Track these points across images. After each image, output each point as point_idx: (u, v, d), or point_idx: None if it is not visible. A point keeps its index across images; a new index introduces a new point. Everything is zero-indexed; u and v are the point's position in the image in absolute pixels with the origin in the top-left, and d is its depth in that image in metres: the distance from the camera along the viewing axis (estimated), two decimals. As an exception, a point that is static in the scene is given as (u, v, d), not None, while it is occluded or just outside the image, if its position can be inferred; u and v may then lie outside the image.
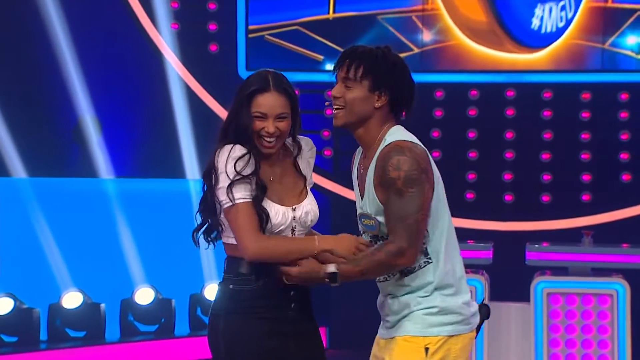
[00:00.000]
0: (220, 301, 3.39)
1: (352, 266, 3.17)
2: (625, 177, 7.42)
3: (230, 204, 3.29)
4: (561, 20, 7.45)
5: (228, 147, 3.33)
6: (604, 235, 6.76)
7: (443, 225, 3.21)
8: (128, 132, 8.10)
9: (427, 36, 7.59)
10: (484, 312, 3.32)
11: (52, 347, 7.07)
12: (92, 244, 7.33)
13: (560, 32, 7.46)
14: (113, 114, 8.09)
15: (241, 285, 3.35)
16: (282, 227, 3.35)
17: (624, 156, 7.44)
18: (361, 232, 3.33)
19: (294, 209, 3.39)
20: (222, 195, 3.31)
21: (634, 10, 7.41)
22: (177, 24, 7.79)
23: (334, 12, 7.65)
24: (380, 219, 3.19)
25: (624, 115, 7.46)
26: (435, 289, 3.19)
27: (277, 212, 3.34)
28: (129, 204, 7.45)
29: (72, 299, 7.16)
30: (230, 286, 3.37)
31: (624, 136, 7.46)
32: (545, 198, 7.43)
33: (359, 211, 3.29)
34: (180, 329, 7.37)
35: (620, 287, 6.39)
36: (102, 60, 8.02)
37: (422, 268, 3.21)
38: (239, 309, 3.35)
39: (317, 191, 7.67)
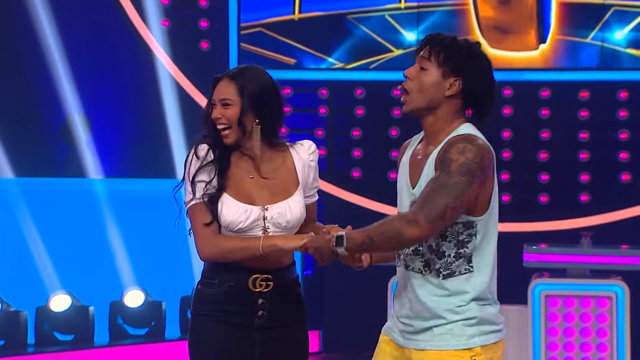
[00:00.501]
0: (192, 300, 3.46)
1: (361, 231, 3.07)
2: (625, 177, 7.40)
3: (187, 206, 3.37)
4: None
5: (193, 147, 3.41)
6: (603, 236, 6.73)
7: (492, 238, 3.15)
8: (117, 131, 8.09)
9: (411, 36, 7.53)
10: None
11: (39, 350, 7.02)
12: (80, 246, 7.28)
13: None
14: (102, 112, 8.06)
15: (206, 288, 3.39)
16: (241, 226, 3.33)
17: (623, 156, 7.42)
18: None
19: (265, 209, 3.35)
20: (185, 198, 3.40)
21: (610, 6, 7.38)
22: (168, 21, 7.76)
23: (299, 12, 7.55)
24: None
25: (623, 114, 7.44)
26: (473, 299, 3.11)
27: (236, 210, 3.32)
28: (118, 204, 7.40)
29: (60, 302, 7.11)
30: (199, 287, 3.41)
31: (623, 135, 7.45)
32: (543, 198, 7.41)
33: (410, 198, 3.16)
34: (171, 332, 7.33)
35: (619, 289, 6.36)
36: (91, 57, 7.99)
37: (461, 274, 3.10)
38: (204, 311, 3.38)
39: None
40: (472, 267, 3.11)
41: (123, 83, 7.97)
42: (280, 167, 3.43)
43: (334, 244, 3.08)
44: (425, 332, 3.14)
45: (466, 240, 3.09)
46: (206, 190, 3.33)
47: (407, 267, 3.18)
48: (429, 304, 3.12)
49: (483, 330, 3.12)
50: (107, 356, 7.09)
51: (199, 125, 3.52)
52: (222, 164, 3.35)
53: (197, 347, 3.39)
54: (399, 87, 3.21)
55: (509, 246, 6.89)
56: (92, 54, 7.98)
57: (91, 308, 7.16)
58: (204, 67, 7.71)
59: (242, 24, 7.62)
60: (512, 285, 6.65)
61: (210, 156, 3.36)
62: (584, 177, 7.37)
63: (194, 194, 3.34)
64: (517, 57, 7.48)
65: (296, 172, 3.45)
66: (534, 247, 6.55)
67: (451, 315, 3.11)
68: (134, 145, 8.05)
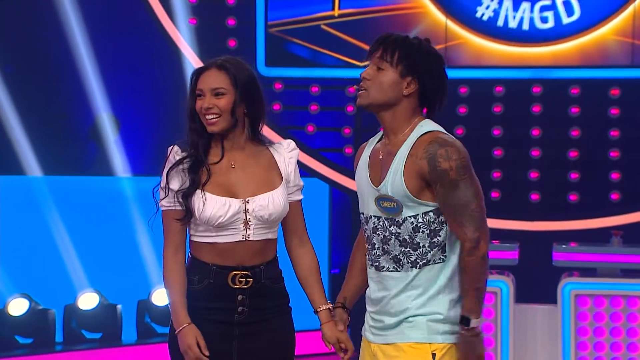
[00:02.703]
0: None
1: (465, 298, 3.18)
2: (656, 174, 7.34)
3: (161, 208, 3.44)
4: (544, 22, 7.29)
5: (170, 148, 3.44)
6: (634, 235, 6.72)
7: None
8: (145, 129, 8.11)
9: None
10: None
11: (67, 348, 7.07)
12: (108, 244, 7.30)
13: (541, 33, 7.31)
14: (130, 111, 8.08)
15: (189, 285, 3.40)
16: (221, 220, 3.33)
17: (655, 154, 7.36)
18: (366, 217, 3.28)
19: (246, 201, 3.35)
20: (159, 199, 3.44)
21: None
22: (195, 19, 7.75)
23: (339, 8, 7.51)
24: (409, 203, 3.17)
25: (654, 111, 7.38)
26: (443, 290, 3.20)
27: (214, 205, 3.34)
28: (146, 202, 7.38)
29: (88, 300, 7.15)
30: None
31: (655, 133, 7.38)
32: (573, 197, 7.34)
33: (375, 194, 3.24)
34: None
35: (650, 289, 6.38)
36: (119, 56, 8.02)
37: (435, 263, 3.19)
38: (188, 308, 3.39)
39: (337, 190, 7.61)
40: (445, 256, 3.19)
41: (151, 82, 7.99)
42: (262, 161, 3.44)
43: (466, 327, 3.16)
44: (393, 327, 3.22)
45: (438, 228, 3.18)
46: (179, 197, 3.36)
47: (378, 268, 3.25)
48: (399, 301, 3.20)
49: (447, 329, 3.18)
50: (135, 354, 7.11)
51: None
52: (198, 163, 3.37)
53: (175, 342, 3.40)
54: (355, 86, 3.26)
55: (538, 245, 6.96)
56: (120, 52, 8.01)
57: (119, 306, 7.19)
58: (231, 65, 7.72)
59: (293, 19, 7.56)
60: (541, 285, 6.70)
61: (186, 159, 3.38)
62: (615, 176, 7.30)
63: (161, 197, 3.40)
64: (546, 52, 7.37)
65: (278, 167, 3.45)
66: (564, 246, 6.58)
67: (417, 309, 3.19)
68: (161, 144, 8.03)
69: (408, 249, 3.19)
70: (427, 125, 3.22)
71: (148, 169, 7.94)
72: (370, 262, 3.29)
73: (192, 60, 7.67)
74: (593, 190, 7.33)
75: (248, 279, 3.36)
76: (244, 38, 7.67)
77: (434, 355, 3.16)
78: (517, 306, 6.52)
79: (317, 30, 7.49)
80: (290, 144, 3.50)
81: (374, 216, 3.25)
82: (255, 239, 3.37)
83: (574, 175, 7.35)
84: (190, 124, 3.41)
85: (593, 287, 6.40)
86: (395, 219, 3.20)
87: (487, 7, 7.33)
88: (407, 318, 3.19)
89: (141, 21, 7.74)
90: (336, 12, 7.49)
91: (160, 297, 7.25)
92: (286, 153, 3.48)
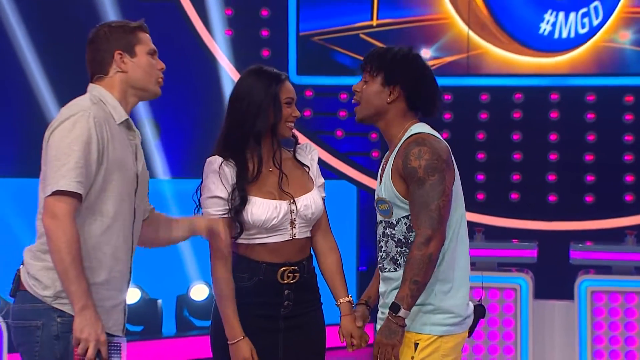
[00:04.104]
0: None
1: (401, 286, 3.16)
2: (669, 177, 7.33)
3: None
4: (583, 27, 7.37)
5: (211, 159, 3.48)
6: (647, 234, 6.73)
7: (452, 220, 3.24)
8: (184, 134, 8.15)
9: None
10: (480, 312, 3.35)
11: (110, 341, 7.18)
12: (149, 242, 7.43)
13: (581, 37, 7.38)
14: (170, 117, 8.15)
15: (238, 283, 3.44)
16: (274, 222, 3.40)
17: (668, 157, 7.33)
18: (377, 222, 3.37)
19: (292, 202, 3.44)
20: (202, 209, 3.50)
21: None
22: (231, 30, 7.85)
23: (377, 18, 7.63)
24: (399, 203, 3.24)
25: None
26: (435, 283, 3.21)
27: (267, 209, 3.41)
28: (184, 203, 7.51)
29: (130, 295, 7.09)
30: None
31: (669, 138, 7.35)
32: (589, 198, 7.40)
33: (376, 197, 3.35)
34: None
35: (663, 285, 6.37)
36: (159, 65, 8.15)
37: None
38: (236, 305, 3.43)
39: (364, 191, 7.68)
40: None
41: (189, 89, 8.01)
42: (291, 164, 3.52)
43: (394, 314, 3.14)
44: None
45: None
46: (231, 205, 3.39)
47: (382, 269, 3.33)
48: (395, 294, 3.21)
49: (436, 320, 3.22)
50: (175, 346, 7.22)
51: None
52: (246, 173, 3.41)
53: (218, 337, 3.47)
54: (353, 101, 3.41)
55: (556, 244, 6.95)
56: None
57: (159, 301, 7.31)
58: (264, 74, 7.80)
59: (323, 29, 7.65)
60: (559, 282, 6.67)
61: (228, 168, 3.42)
62: (629, 178, 7.34)
63: (210, 208, 3.45)
64: (564, 61, 7.41)
65: (306, 169, 3.55)
66: (580, 245, 6.59)
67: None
68: (198, 148, 8.13)
69: (404, 248, 3.24)
70: (416, 127, 3.27)
71: (186, 172, 7.98)
72: (379, 264, 3.36)
73: (228, 69, 7.77)
74: (608, 192, 7.36)
75: (295, 274, 3.43)
76: (276, 48, 7.76)
77: (416, 345, 3.20)
78: (536, 302, 6.56)
79: (356, 39, 7.59)
80: (308, 145, 3.60)
81: (383, 221, 3.32)
82: (300, 237, 3.46)
83: (590, 178, 7.41)
84: (258, 135, 3.41)
85: (608, 284, 6.42)
86: (389, 221, 3.27)
87: (548, 22, 7.39)
88: None
89: (180, 33, 7.83)
90: (374, 22, 7.59)
91: (198, 292, 7.38)
92: (308, 155, 3.58)
